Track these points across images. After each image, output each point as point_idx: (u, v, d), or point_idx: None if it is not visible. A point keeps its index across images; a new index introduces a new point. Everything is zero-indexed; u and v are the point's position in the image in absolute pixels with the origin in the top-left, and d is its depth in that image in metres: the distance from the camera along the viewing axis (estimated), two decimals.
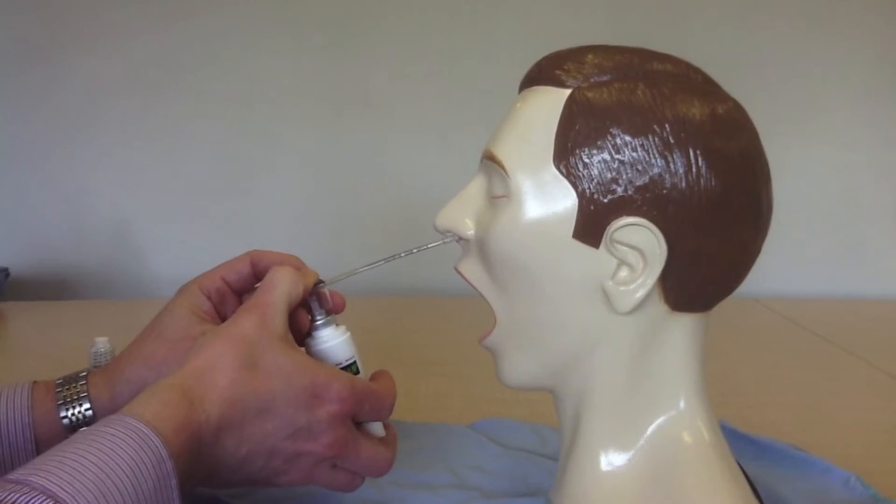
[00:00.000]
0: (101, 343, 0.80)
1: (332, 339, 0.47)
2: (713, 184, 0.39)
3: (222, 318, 0.51)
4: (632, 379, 0.44)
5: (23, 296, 1.32)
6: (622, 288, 0.41)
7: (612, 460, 0.44)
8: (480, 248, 0.45)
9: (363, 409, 0.44)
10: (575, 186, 0.41)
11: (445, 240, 0.48)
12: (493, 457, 0.62)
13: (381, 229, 1.38)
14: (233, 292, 0.52)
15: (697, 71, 0.43)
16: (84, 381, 0.48)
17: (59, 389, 0.48)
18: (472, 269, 0.47)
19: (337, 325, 0.48)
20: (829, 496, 0.57)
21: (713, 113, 0.40)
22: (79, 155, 1.37)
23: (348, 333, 0.48)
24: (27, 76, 1.35)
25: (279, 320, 0.43)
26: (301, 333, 0.47)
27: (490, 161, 0.44)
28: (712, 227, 0.40)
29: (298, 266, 0.49)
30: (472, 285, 0.47)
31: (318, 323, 0.47)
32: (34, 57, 1.34)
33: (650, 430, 0.44)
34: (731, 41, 1.35)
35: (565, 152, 0.41)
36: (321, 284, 0.48)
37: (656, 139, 0.39)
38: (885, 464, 0.66)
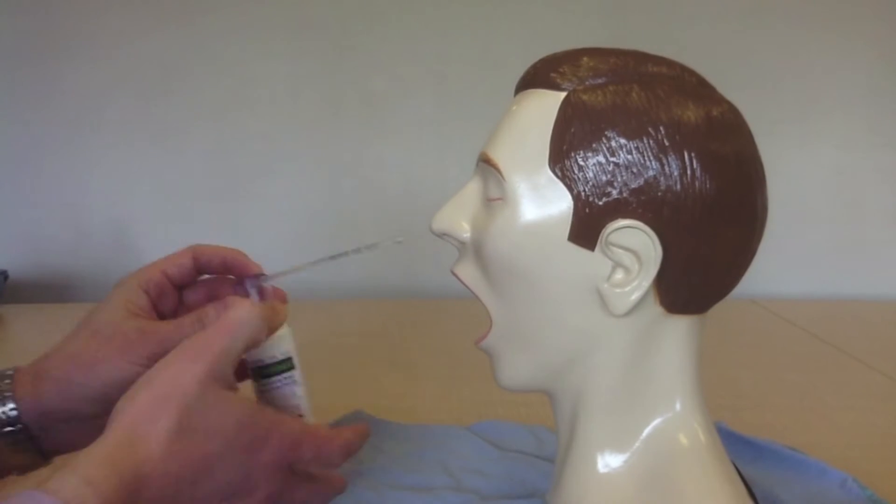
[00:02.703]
0: None
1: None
2: (708, 186, 0.39)
3: (159, 313, 0.49)
4: (628, 381, 0.44)
5: (22, 298, 1.32)
6: (617, 290, 0.41)
7: (608, 462, 0.44)
8: (476, 250, 0.45)
9: (302, 456, 0.43)
10: (570, 189, 0.41)
11: (397, 239, 0.48)
12: (491, 459, 0.62)
13: (381, 231, 1.37)
14: (173, 286, 0.50)
15: (692, 73, 0.43)
16: (10, 380, 0.45)
17: None
18: (468, 272, 0.47)
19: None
20: (826, 498, 0.57)
21: (708, 115, 0.40)
22: (78, 157, 1.37)
23: (287, 329, 0.47)
24: (26, 78, 1.35)
25: (228, 370, 0.41)
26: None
27: (486, 164, 0.44)
28: (707, 229, 0.40)
29: (243, 260, 0.49)
30: (468, 288, 0.47)
31: None
32: (33, 59, 1.34)
33: (646, 432, 0.44)
34: (731, 41, 1.35)
35: (561, 155, 0.41)
36: (262, 278, 0.47)
37: (651, 142, 0.39)
38: (882, 465, 0.66)
